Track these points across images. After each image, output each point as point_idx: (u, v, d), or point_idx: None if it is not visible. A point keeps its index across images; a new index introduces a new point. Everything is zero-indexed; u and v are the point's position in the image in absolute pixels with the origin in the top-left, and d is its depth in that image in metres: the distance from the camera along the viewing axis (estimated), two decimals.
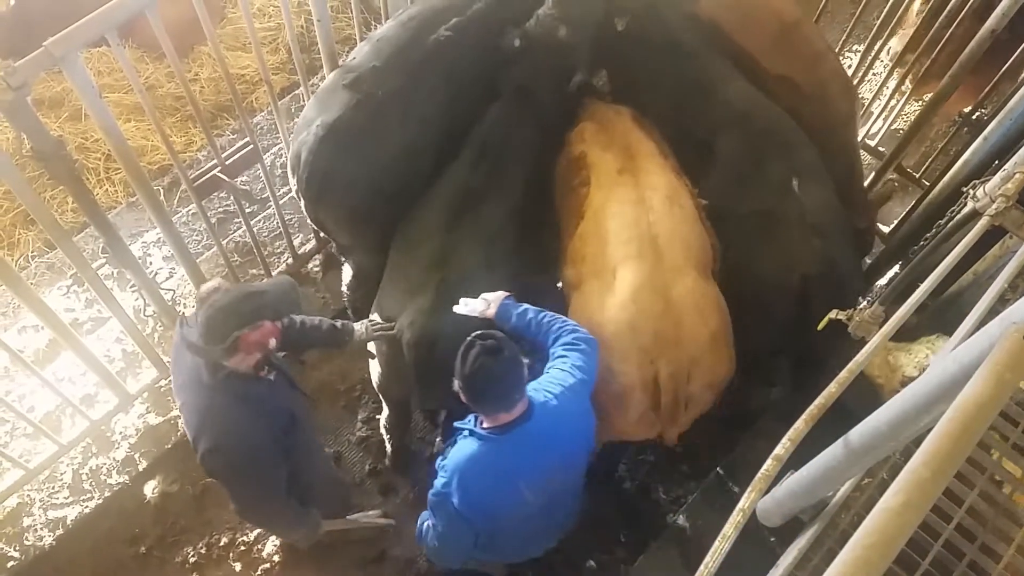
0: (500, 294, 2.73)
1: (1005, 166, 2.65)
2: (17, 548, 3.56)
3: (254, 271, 4.23)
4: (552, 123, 3.33)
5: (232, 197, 3.84)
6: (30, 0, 4.84)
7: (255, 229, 4.12)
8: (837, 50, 4.19)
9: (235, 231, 4.52)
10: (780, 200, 3.12)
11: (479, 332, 2.30)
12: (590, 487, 2.87)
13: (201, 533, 3.66)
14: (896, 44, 4.21)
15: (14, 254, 4.61)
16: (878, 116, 4.44)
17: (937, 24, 3.70)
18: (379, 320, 2.99)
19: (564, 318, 2.65)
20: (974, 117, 4.12)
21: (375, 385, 3.30)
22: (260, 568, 3.57)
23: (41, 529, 3.61)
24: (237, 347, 2.35)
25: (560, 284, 3.33)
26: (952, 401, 1.33)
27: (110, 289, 3.44)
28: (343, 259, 3.77)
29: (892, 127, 4.45)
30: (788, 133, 3.31)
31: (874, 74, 4.57)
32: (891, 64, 4.23)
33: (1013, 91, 3.25)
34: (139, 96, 2.95)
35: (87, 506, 3.66)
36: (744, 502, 1.68)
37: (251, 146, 3.43)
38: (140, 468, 3.76)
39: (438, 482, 2.40)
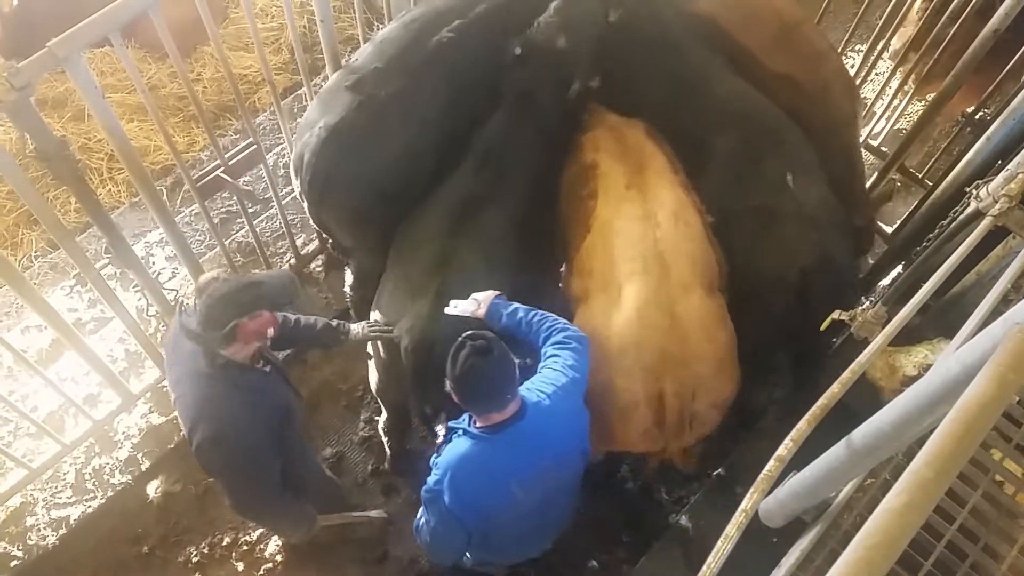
0: (490, 293, 2.73)
1: (1008, 166, 2.65)
2: (20, 547, 3.56)
3: (257, 271, 4.24)
4: (554, 129, 3.33)
5: (235, 197, 3.84)
6: (33, 0, 4.84)
7: (258, 229, 4.12)
8: (840, 50, 4.19)
9: (238, 231, 4.53)
10: (778, 196, 3.13)
11: (469, 332, 2.31)
12: (592, 487, 2.87)
13: (204, 533, 3.67)
14: (896, 42, 4.21)
15: (17, 254, 4.62)
16: (881, 116, 4.43)
17: (940, 23, 3.70)
18: (377, 321, 2.99)
19: (555, 316, 2.65)
20: (977, 117, 4.12)
21: (373, 389, 3.31)
22: (263, 568, 3.57)
23: (44, 528, 3.61)
24: (235, 335, 2.36)
25: (560, 283, 3.33)
26: (955, 402, 1.33)
27: (113, 289, 3.45)
28: (344, 260, 3.78)
29: (895, 127, 4.44)
30: (782, 129, 3.32)
31: (877, 74, 4.56)
32: (894, 64, 4.23)
33: (1016, 91, 3.24)
34: (142, 96, 2.96)
35: (90, 506, 3.67)
36: (747, 502, 1.68)
37: (254, 146, 3.44)
38: (143, 468, 3.76)
39: (431, 479, 2.41)
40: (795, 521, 2.41)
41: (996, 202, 2.32)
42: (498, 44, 3.26)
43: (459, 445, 2.37)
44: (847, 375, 1.92)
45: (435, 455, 2.49)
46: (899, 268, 3.98)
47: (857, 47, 4.90)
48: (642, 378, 2.68)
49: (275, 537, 3.61)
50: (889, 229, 4.04)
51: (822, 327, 2.60)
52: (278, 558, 3.59)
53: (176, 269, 4.39)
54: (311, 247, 4.34)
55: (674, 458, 2.95)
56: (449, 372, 2.28)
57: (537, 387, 2.44)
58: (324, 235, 3.63)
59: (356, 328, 3.00)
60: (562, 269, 3.37)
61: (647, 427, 2.72)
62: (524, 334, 2.64)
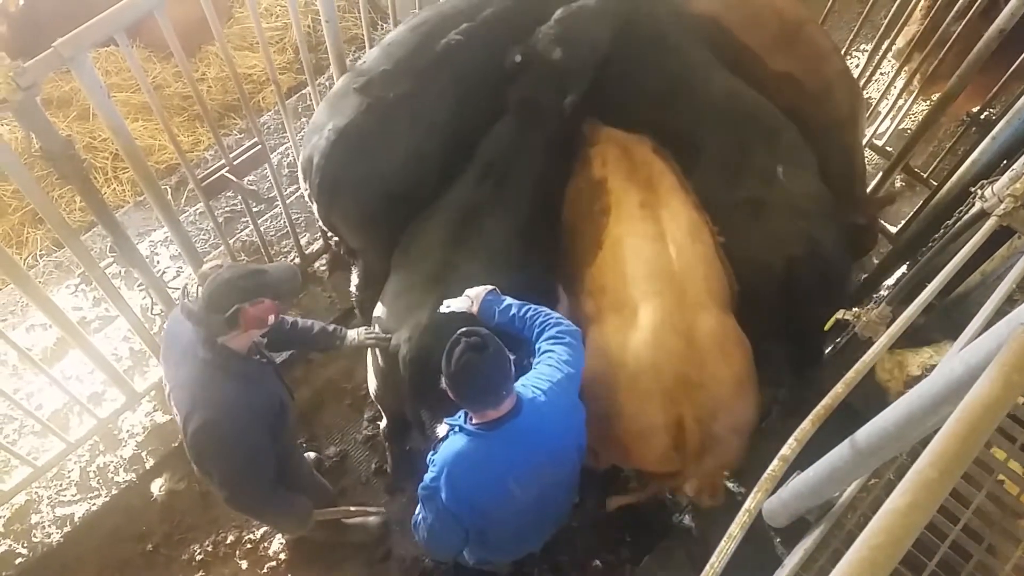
0: (482, 290, 2.73)
1: (1013, 166, 2.64)
2: (25, 545, 3.58)
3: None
4: (557, 138, 3.33)
5: (239, 196, 3.85)
6: (39, 0, 4.86)
7: (262, 228, 4.13)
8: (844, 49, 4.18)
9: (242, 230, 4.54)
10: (767, 188, 3.15)
11: (464, 329, 2.30)
12: (594, 487, 2.87)
13: (208, 531, 3.68)
14: (901, 42, 4.20)
15: (22, 253, 4.63)
16: (886, 115, 4.43)
17: (945, 23, 3.69)
18: (376, 330, 3.01)
19: (547, 310, 2.64)
20: (982, 117, 4.11)
21: (372, 395, 3.32)
22: (266, 566, 3.58)
23: (49, 526, 3.62)
24: (237, 320, 2.36)
25: (561, 289, 3.33)
26: (959, 402, 1.33)
27: (118, 288, 3.45)
28: (351, 261, 3.79)
29: (900, 127, 4.44)
30: (778, 127, 3.33)
31: (882, 73, 4.55)
32: (899, 63, 4.22)
33: (1022, 91, 3.23)
34: (147, 96, 2.96)
35: (94, 504, 3.68)
36: (750, 502, 1.68)
37: (259, 146, 3.44)
38: (147, 466, 3.77)
39: (428, 476, 2.41)
40: (799, 521, 2.41)
41: (1001, 202, 2.31)
42: (505, 48, 3.27)
43: (455, 442, 2.37)
44: (851, 375, 1.91)
45: (432, 452, 2.49)
46: (904, 268, 3.98)
47: (862, 46, 4.89)
48: (660, 402, 2.65)
49: (279, 535, 3.62)
50: (894, 229, 4.04)
51: (826, 327, 2.60)
52: (282, 556, 3.60)
53: (180, 268, 4.40)
54: (315, 246, 4.35)
55: (701, 494, 2.90)
56: (444, 369, 2.28)
57: (532, 383, 2.44)
58: (332, 236, 3.64)
59: (353, 334, 3.01)
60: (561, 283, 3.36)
61: (665, 450, 2.69)
62: (518, 329, 2.64)
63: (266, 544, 3.63)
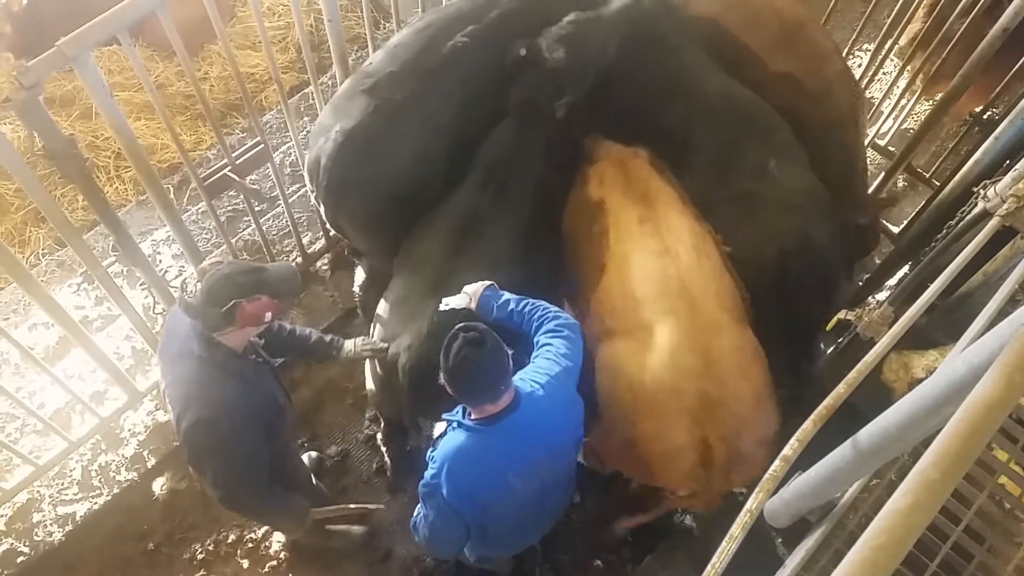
0: (480, 285, 2.73)
1: (1016, 166, 2.64)
2: (27, 543, 3.58)
3: None
4: (557, 138, 3.32)
5: (241, 195, 3.85)
6: (43, 0, 4.86)
7: (264, 227, 4.13)
8: (847, 49, 4.18)
9: (244, 229, 4.54)
10: (760, 182, 3.15)
11: (462, 324, 2.31)
12: (594, 487, 2.87)
13: (209, 530, 3.68)
14: (903, 41, 4.20)
15: (25, 252, 4.64)
16: (888, 115, 4.42)
17: (948, 21, 3.68)
18: (373, 340, 3.01)
19: (545, 304, 2.64)
20: (985, 116, 4.10)
21: (369, 401, 3.32)
22: (267, 565, 3.58)
23: (50, 525, 3.63)
24: (234, 315, 2.36)
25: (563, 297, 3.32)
26: (961, 402, 1.32)
27: (120, 287, 3.46)
28: (356, 261, 3.79)
29: (902, 127, 4.43)
30: (764, 117, 3.34)
31: (884, 73, 4.55)
32: (902, 63, 4.21)
33: None
34: (149, 95, 2.97)
35: (96, 502, 3.68)
36: (751, 503, 1.67)
37: (261, 145, 3.45)
38: (149, 465, 3.78)
39: (428, 473, 2.41)
40: (800, 521, 2.41)
41: (1004, 202, 2.31)
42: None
43: (454, 438, 2.38)
44: (853, 375, 1.91)
45: (431, 449, 2.49)
46: (906, 268, 3.97)
47: (864, 46, 4.89)
48: (684, 424, 2.62)
49: (280, 534, 3.62)
50: (896, 229, 4.03)
51: (828, 327, 2.60)
52: (283, 555, 3.60)
53: (183, 267, 4.40)
54: (317, 245, 4.35)
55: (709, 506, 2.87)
56: (443, 364, 2.28)
57: (531, 377, 2.44)
58: (339, 236, 3.65)
59: (349, 345, 3.01)
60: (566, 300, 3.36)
61: (692, 468, 2.65)
62: (516, 324, 2.64)
63: (267, 543, 3.63)
